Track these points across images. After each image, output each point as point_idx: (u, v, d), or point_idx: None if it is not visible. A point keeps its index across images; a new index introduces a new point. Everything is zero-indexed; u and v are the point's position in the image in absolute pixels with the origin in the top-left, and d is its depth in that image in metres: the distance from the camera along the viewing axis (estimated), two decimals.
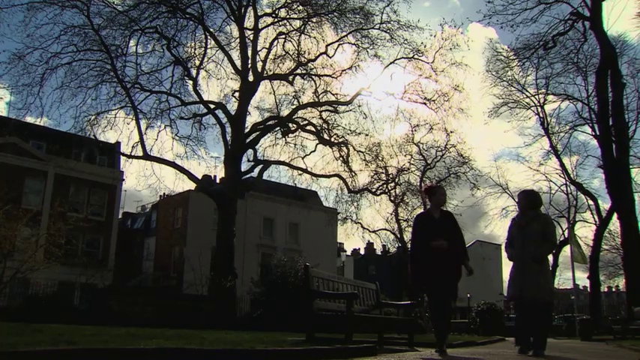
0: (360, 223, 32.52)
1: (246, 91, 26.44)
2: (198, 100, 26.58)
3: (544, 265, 7.15)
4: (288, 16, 27.26)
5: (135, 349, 4.17)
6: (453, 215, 7.74)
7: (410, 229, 37.20)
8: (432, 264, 6.95)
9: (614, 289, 70.13)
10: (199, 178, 28.28)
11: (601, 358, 7.11)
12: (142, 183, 27.77)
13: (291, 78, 27.75)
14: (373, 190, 30.70)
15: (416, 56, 27.52)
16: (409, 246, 7.82)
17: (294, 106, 28.07)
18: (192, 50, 26.96)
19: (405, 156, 33.00)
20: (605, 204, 33.77)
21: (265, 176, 29.16)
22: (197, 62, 26.78)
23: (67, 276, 29.43)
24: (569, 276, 60.94)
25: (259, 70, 26.86)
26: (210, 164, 63.17)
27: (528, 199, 7.59)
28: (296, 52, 27.50)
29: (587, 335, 20.86)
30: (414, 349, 7.93)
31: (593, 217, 35.27)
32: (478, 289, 58.68)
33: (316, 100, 28.00)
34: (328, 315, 7.76)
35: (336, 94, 28.37)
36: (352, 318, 7.24)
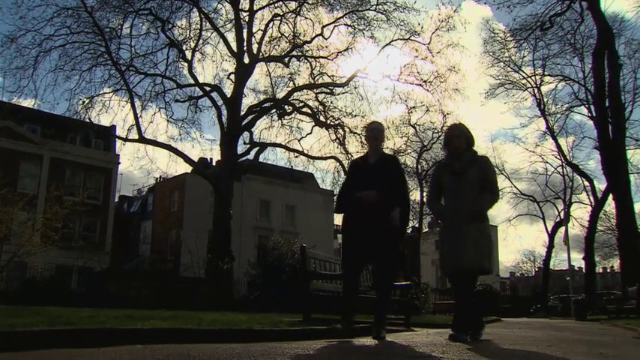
0: None
1: (242, 73, 26.28)
2: (193, 82, 26.42)
3: (485, 224, 5.49)
4: None
5: (132, 329, 4.18)
6: (395, 160, 6.36)
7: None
8: (359, 220, 5.59)
9: (609, 270, 70.77)
10: (195, 161, 28.20)
11: (595, 336, 7.16)
12: (135, 165, 27.74)
13: (286, 60, 27.58)
14: None
15: (412, 38, 27.36)
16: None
17: (289, 88, 27.94)
18: (187, 32, 26.75)
19: (402, 138, 32.96)
20: (601, 185, 33.90)
21: (261, 159, 29.06)
22: (192, 44, 26.57)
23: (64, 260, 29.47)
24: (565, 257, 61.36)
25: (255, 52, 26.68)
26: (206, 147, 63.17)
27: (466, 136, 5.63)
28: (292, 33, 27.31)
29: (582, 315, 21.05)
30: (411, 330, 7.99)
31: (589, 199, 35.46)
32: None
33: (312, 82, 27.86)
34: (325, 296, 7.80)
35: (332, 75, 28.23)
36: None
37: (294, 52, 27.58)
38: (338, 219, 49.64)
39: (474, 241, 5.22)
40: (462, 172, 5.42)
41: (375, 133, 5.99)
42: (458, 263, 5.27)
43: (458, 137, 5.60)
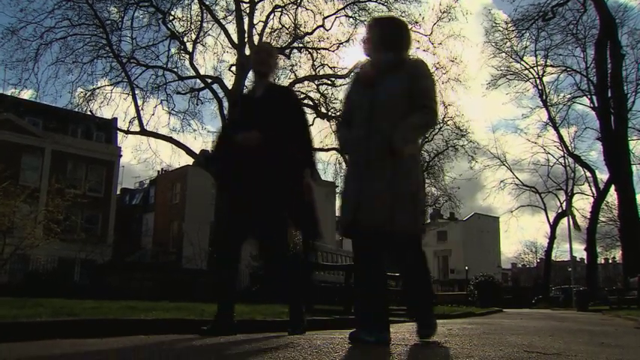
0: None
1: (243, 65, 26.23)
2: (195, 74, 26.40)
3: (412, 161, 3.56)
4: None
5: (135, 320, 4.21)
6: (290, 93, 4.78)
7: None
8: (237, 176, 4.10)
9: (610, 261, 70.79)
10: (197, 152, 28.20)
11: (596, 326, 7.18)
12: (138, 157, 27.83)
13: (287, 51, 27.51)
14: None
15: (413, 28, 27.29)
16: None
17: (290, 80, 27.89)
18: (188, 24, 26.69)
19: None
20: (602, 176, 33.89)
21: None
22: (193, 36, 26.52)
23: (67, 252, 29.55)
24: (567, 248, 61.33)
25: (256, 43, 26.63)
26: (207, 139, 63.04)
27: (381, 31, 3.69)
28: (292, 25, 27.25)
29: (583, 306, 21.08)
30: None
31: (591, 189, 35.43)
32: (476, 261, 59.17)
33: (313, 73, 27.82)
34: (327, 287, 7.83)
35: (334, 67, 28.19)
36: (351, 289, 7.29)
37: (295, 44, 27.53)
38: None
39: (390, 185, 3.37)
40: (377, 82, 3.53)
41: (261, 56, 4.42)
42: (363, 219, 3.39)
43: (370, 36, 3.74)
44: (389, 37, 3.66)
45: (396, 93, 3.49)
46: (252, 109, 4.19)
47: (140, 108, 25.08)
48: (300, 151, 4.15)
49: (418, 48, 27.94)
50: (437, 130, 34.32)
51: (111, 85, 25.34)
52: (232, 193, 4.22)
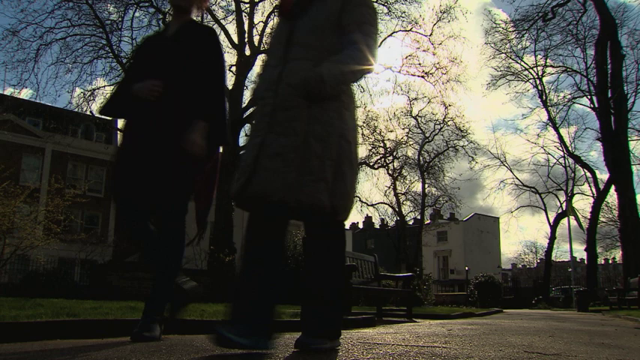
0: (358, 197, 32.67)
1: (243, 65, 26.26)
2: None
3: (334, 114, 2.64)
4: None
5: (135, 320, 4.20)
6: (210, 34, 3.54)
7: (408, 203, 37.42)
8: (133, 134, 3.39)
9: (610, 261, 70.82)
10: None
11: (596, 326, 7.18)
12: None
13: None
14: (371, 163, 30.76)
15: (414, 29, 27.35)
16: None
17: None
18: None
19: (403, 129, 33.01)
20: (603, 176, 33.92)
21: None
22: None
23: (67, 252, 29.57)
24: (567, 248, 61.38)
25: (256, 43, 26.67)
26: None
27: None
28: None
29: (583, 306, 21.07)
30: (413, 321, 8.00)
31: (591, 190, 35.47)
32: (476, 262, 59.21)
33: None
34: None
35: None
36: (351, 290, 7.29)
37: None
38: None
39: (301, 141, 2.52)
40: (300, 11, 2.78)
41: None
42: (259, 186, 2.50)
43: None
44: None
45: (319, 24, 2.71)
46: (162, 51, 3.39)
47: None
48: (203, 102, 3.27)
49: (418, 48, 28.02)
50: (437, 130, 34.45)
51: (111, 85, 25.38)
52: (127, 154, 3.40)
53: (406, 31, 27.39)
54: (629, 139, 26.38)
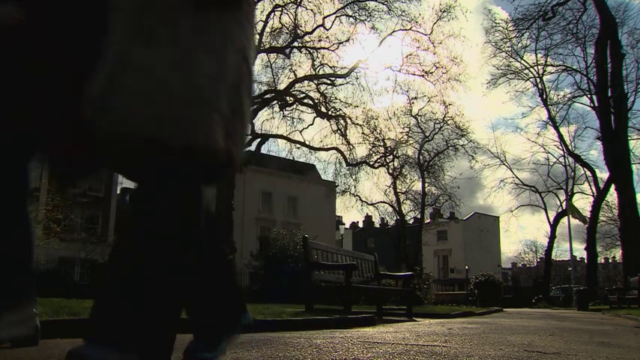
0: (358, 196, 32.69)
1: None
2: None
3: (237, 23, 1.63)
4: None
5: None
6: None
7: (408, 203, 37.41)
8: None
9: (610, 261, 70.81)
10: None
11: (596, 325, 7.18)
12: None
13: (287, 51, 27.53)
14: (371, 162, 30.77)
15: (413, 28, 27.35)
16: None
17: (291, 80, 27.93)
18: None
19: (403, 129, 33.00)
20: (603, 175, 33.92)
21: (264, 150, 29.15)
22: None
23: (67, 252, 29.56)
24: (567, 247, 61.38)
25: (256, 43, 26.65)
26: None
27: None
28: (293, 24, 27.27)
29: (583, 305, 21.07)
30: (413, 320, 8.00)
31: (591, 189, 35.43)
32: (476, 261, 59.23)
33: (313, 73, 27.84)
34: (327, 286, 7.82)
35: (333, 66, 28.23)
36: (351, 289, 7.29)
37: (295, 43, 27.55)
38: (340, 209, 49.59)
39: (179, 55, 1.50)
40: None
41: None
42: (115, 116, 1.45)
43: None
44: None
45: None
46: None
47: None
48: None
49: (418, 47, 28.03)
50: (437, 129, 34.44)
51: None
52: None
53: (406, 30, 27.44)
54: (629, 138, 26.42)
